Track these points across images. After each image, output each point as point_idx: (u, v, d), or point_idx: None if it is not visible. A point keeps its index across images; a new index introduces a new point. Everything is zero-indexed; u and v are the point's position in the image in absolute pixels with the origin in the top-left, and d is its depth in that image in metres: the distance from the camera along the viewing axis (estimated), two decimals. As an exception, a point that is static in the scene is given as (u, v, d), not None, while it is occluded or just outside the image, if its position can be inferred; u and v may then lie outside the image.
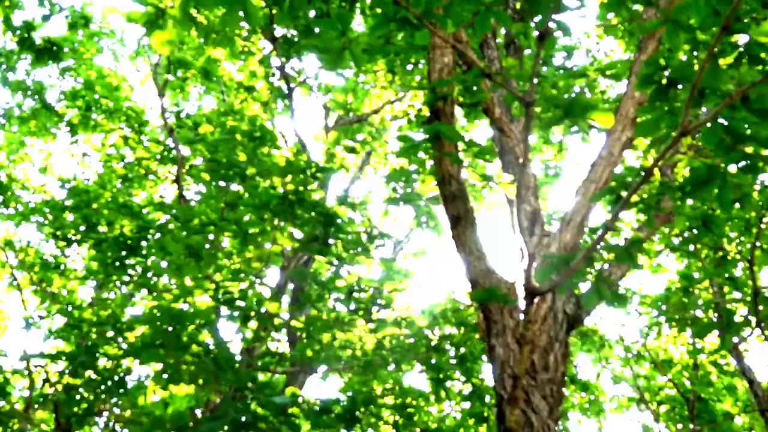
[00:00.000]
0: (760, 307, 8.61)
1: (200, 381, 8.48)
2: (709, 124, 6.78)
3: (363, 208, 10.48)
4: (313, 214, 9.06)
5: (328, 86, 13.63)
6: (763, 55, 5.82)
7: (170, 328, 7.84)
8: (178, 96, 15.34)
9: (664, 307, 11.28)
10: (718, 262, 11.22)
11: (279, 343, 9.97)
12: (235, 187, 10.51)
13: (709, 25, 5.74)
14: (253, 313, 9.21)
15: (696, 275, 10.68)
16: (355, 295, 9.42)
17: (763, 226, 9.71)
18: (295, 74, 12.66)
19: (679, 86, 6.10)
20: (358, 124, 13.17)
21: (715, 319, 11.41)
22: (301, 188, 9.49)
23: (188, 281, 9.41)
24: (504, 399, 6.20)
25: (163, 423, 6.32)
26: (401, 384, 11.88)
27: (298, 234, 9.62)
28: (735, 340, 13.39)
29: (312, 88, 13.56)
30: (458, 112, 12.96)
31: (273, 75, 12.66)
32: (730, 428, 14.52)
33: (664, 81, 6.20)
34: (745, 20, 5.59)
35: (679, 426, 15.15)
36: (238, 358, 8.43)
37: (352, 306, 9.23)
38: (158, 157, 14.17)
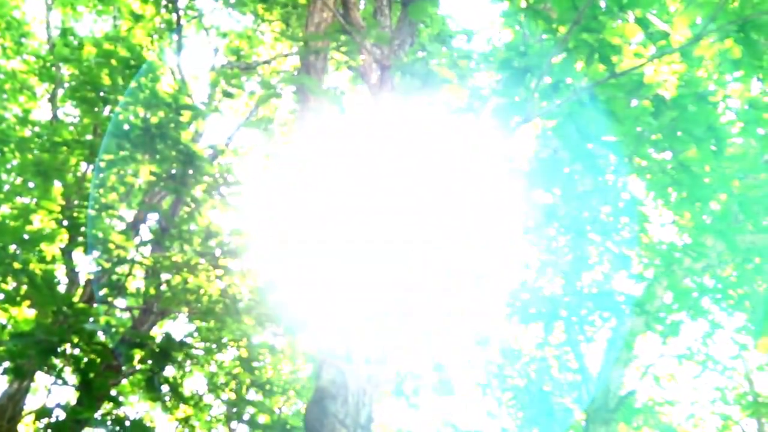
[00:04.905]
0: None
1: (27, 303, 8.23)
2: (559, 119, 6.94)
3: (232, 155, 10.31)
4: (174, 152, 8.85)
5: (222, 32, 13.35)
6: (614, 57, 5.97)
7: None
8: (68, 13, 14.72)
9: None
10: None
11: (123, 277, 9.72)
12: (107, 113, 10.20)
13: (568, 18, 5.84)
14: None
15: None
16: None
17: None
18: (187, 9, 12.34)
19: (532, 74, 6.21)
20: (243, 71, 12.91)
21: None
22: (171, 124, 9.25)
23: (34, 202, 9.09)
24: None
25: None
26: (249, 336, 11.81)
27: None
28: (580, 338, 13.89)
29: (205, 27, 13.25)
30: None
31: (165, 7, 12.29)
32: (565, 422, 15.08)
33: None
34: (601, 19, 5.70)
35: (519, 414, 15.65)
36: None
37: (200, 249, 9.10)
38: (36, 72, 13.59)
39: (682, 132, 6.52)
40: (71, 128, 10.07)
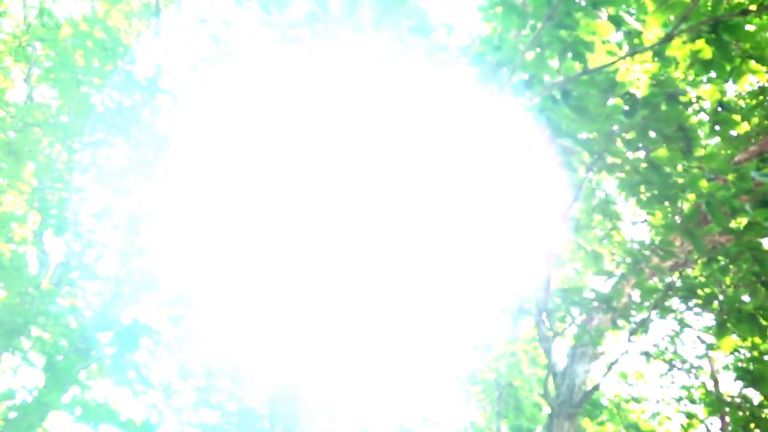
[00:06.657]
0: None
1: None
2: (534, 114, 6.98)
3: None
4: (148, 136, 8.82)
5: (202, 18, 13.28)
6: (587, 54, 6.02)
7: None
8: (46, -6, 14.57)
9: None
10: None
11: (93, 260, 9.69)
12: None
13: (542, 14, 5.88)
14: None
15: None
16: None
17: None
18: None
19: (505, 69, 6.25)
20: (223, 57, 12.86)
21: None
22: (146, 108, 9.22)
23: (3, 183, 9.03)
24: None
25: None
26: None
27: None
28: (549, 333, 13.98)
29: (184, 12, 13.17)
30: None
31: (144, -10, 12.21)
32: (533, 416, 15.21)
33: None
34: (576, 16, 5.75)
35: (488, 408, 15.77)
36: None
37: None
38: (12, 52, 13.47)
39: (652, 131, 6.59)
40: (46, 109, 10.00)
